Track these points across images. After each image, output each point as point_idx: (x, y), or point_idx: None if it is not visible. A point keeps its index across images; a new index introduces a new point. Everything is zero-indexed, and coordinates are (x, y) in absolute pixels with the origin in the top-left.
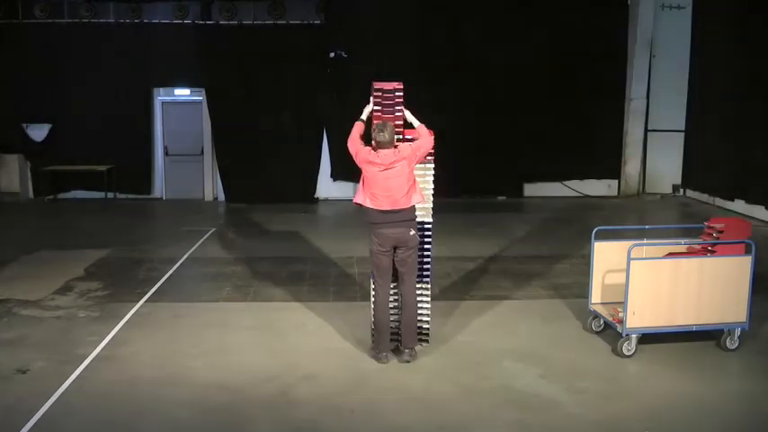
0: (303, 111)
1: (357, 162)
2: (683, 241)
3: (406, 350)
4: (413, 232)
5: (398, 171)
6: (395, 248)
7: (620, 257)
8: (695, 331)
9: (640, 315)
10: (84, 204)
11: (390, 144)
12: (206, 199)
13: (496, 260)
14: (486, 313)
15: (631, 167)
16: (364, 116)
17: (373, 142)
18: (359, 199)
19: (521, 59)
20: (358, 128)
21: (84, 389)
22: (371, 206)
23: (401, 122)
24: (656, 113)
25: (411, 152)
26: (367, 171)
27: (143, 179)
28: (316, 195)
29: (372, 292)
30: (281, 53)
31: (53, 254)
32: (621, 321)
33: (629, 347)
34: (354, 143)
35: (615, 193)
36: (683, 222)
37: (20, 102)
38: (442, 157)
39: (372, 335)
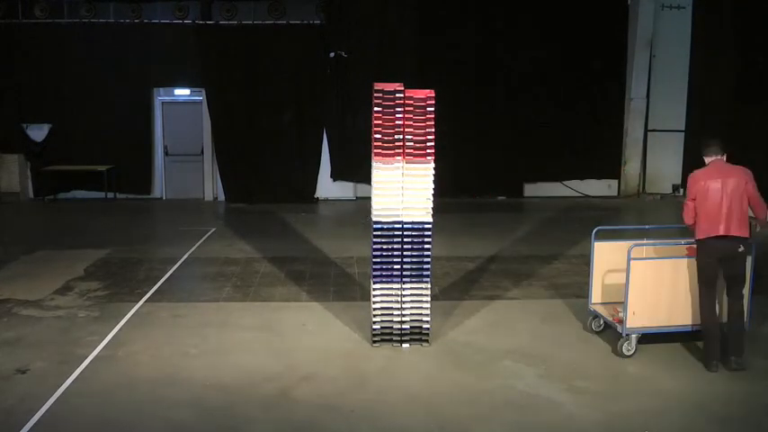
0: (303, 111)
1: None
2: (682, 241)
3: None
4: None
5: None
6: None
7: (620, 257)
8: (695, 331)
9: (640, 315)
10: (84, 204)
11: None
12: (206, 199)
13: (496, 260)
14: (486, 313)
15: (631, 167)
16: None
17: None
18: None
19: (521, 59)
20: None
21: (84, 389)
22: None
23: (401, 124)
24: (656, 113)
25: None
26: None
27: (143, 179)
28: (316, 195)
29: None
30: (281, 53)
31: (53, 254)
32: (621, 321)
33: (629, 347)
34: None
35: (615, 193)
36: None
37: (20, 102)
38: (442, 157)
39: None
